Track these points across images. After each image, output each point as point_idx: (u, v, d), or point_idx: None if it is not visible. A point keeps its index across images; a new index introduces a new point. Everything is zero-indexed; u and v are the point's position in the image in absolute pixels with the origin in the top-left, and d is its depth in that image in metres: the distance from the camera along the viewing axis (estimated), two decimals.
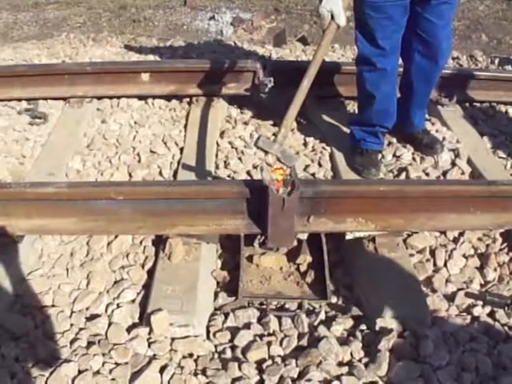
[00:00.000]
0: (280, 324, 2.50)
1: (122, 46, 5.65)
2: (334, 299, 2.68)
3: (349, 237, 2.82)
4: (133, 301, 2.61)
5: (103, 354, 2.30)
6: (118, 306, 2.56)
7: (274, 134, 3.76)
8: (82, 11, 6.87)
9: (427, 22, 3.08)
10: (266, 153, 2.45)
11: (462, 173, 3.44)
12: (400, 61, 3.34)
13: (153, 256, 2.83)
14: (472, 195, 2.71)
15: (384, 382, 2.23)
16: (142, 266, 2.80)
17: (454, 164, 3.49)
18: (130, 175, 3.45)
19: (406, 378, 2.22)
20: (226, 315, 2.55)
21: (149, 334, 2.39)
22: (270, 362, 2.30)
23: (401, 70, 3.42)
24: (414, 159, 3.57)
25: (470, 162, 3.53)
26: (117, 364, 2.27)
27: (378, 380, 2.23)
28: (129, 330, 2.43)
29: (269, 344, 2.37)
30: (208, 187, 2.74)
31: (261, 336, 2.44)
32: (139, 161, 3.57)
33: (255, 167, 3.47)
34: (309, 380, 2.20)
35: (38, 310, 2.53)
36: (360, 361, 2.31)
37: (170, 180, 3.40)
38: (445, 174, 3.43)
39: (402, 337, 2.38)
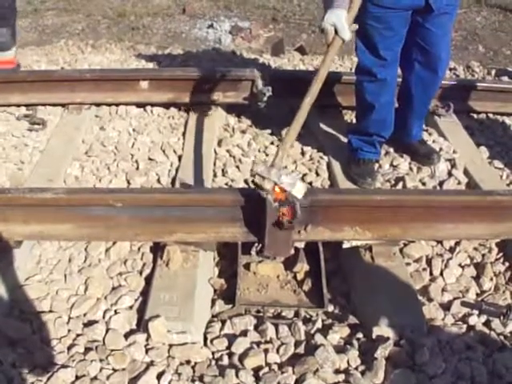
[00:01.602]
0: (277, 332, 2.51)
1: (120, 54, 5.67)
2: (330, 307, 2.69)
3: (346, 246, 2.84)
4: (130, 307, 2.62)
5: (101, 360, 2.31)
6: (116, 312, 2.57)
7: (276, 145, 3.78)
8: (81, 18, 6.88)
9: (427, 31, 3.09)
10: (264, 178, 2.43)
11: (459, 183, 3.46)
12: (398, 70, 3.36)
13: (151, 263, 2.84)
14: (468, 205, 2.73)
15: None
16: (140, 273, 2.80)
17: (450, 174, 3.51)
18: (128, 182, 3.46)
19: None
20: (223, 322, 2.56)
21: (146, 340, 2.40)
22: (266, 369, 2.31)
23: (399, 79, 3.43)
24: (410, 169, 3.58)
25: (466, 172, 3.55)
26: (114, 370, 2.28)
27: None
28: (126, 336, 2.44)
29: (266, 351, 2.38)
30: (206, 195, 2.75)
31: (258, 343, 2.45)
32: (137, 168, 3.58)
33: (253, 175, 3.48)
34: None
35: (36, 316, 2.53)
36: (356, 369, 2.32)
37: (168, 187, 3.41)
38: (441, 184, 3.44)
39: (398, 345, 2.39)
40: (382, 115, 3.38)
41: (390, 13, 2.96)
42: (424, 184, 3.44)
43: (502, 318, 2.58)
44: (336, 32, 2.61)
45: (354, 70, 3.45)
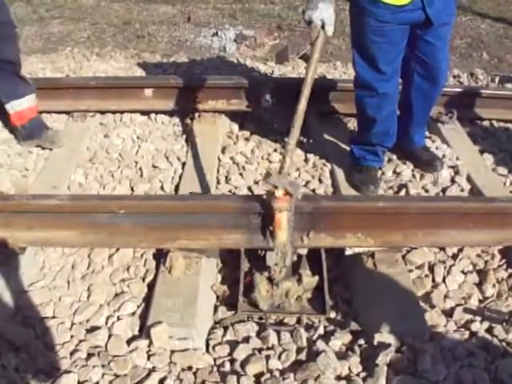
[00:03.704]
0: (279, 338, 2.52)
1: (125, 62, 5.69)
2: (332, 314, 2.69)
3: (348, 252, 2.84)
4: (133, 313, 2.63)
5: (103, 366, 2.32)
6: (119, 318, 2.58)
7: (280, 152, 3.79)
8: (87, 26, 6.91)
9: (427, 44, 3.07)
10: (276, 187, 2.45)
11: (462, 190, 3.46)
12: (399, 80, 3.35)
13: (153, 269, 2.85)
14: (471, 212, 2.73)
15: None
16: (143, 279, 2.82)
17: (453, 181, 3.51)
18: (132, 189, 3.48)
19: None
20: (226, 329, 2.56)
21: (148, 346, 2.41)
22: (268, 375, 2.31)
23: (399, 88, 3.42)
24: (413, 176, 3.58)
25: (469, 179, 3.54)
26: (116, 376, 2.28)
27: None
28: (129, 342, 2.45)
29: (267, 358, 2.39)
30: (209, 202, 2.76)
31: (259, 350, 2.45)
32: (141, 175, 3.60)
33: (256, 183, 3.49)
34: None
35: (39, 321, 2.55)
36: (358, 375, 2.32)
37: (172, 194, 3.42)
38: (444, 190, 3.44)
39: (399, 352, 2.39)
40: (385, 127, 3.37)
41: (389, 27, 2.93)
42: (427, 191, 3.44)
43: (504, 324, 2.58)
44: (322, 27, 2.59)
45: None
